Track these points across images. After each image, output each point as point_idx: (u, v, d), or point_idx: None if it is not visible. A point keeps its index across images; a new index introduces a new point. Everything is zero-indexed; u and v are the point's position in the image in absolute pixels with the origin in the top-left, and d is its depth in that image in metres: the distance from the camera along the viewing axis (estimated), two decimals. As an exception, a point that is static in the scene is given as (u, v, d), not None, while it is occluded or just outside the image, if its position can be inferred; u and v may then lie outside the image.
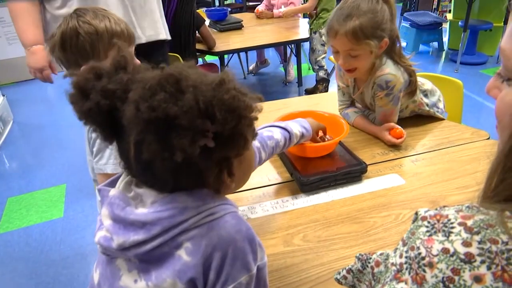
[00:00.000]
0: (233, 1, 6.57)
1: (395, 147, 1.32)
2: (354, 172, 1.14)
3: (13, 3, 1.50)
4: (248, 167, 0.69)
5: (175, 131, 0.50)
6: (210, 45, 2.88)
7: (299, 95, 3.68)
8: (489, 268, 0.38)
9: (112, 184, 0.65)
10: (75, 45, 1.02)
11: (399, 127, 1.32)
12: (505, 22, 4.18)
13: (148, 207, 0.58)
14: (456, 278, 0.39)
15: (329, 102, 1.68)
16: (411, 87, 1.36)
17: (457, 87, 1.66)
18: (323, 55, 3.45)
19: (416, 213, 0.48)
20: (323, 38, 3.40)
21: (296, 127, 1.05)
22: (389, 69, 1.28)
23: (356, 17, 1.17)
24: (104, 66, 0.58)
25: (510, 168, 0.41)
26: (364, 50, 1.21)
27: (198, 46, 2.89)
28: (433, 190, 1.10)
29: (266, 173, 1.21)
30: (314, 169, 1.13)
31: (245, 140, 0.57)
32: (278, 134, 1.00)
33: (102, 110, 0.54)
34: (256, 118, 0.58)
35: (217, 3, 6.01)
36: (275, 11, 3.73)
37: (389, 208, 1.03)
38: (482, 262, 0.38)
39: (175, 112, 0.49)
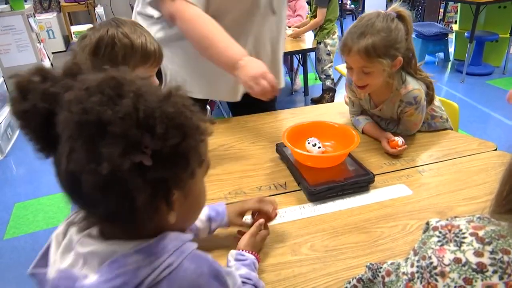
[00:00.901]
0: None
1: (401, 157, 1.32)
2: (362, 182, 1.14)
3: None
4: (196, 204, 0.62)
5: (106, 138, 0.45)
6: None
7: (305, 104, 3.70)
8: (501, 278, 0.38)
9: (43, 259, 0.58)
10: (108, 54, 1.02)
11: (397, 138, 1.33)
12: (511, 34, 4.18)
13: (96, 272, 0.51)
14: (469, 287, 0.39)
15: (335, 111, 1.69)
16: (429, 97, 1.39)
17: (453, 110, 1.65)
18: (330, 64, 3.48)
19: (427, 223, 0.49)
20: (328, 47, 3.43)
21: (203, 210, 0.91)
22: (412, 85, 1.31)
23: (370, 36, 1.19)
24: (53, 70, 0.54)
25: None
26: (376, 68, 1.23)
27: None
28: (440, 201, 1.10)
29: (274, 182, 1.21)
30: (321, 179, 1.14)
31: (187, 163, 0.51)
32: None
33: (38, 113, 0.50)
34: (202, 141, 0.53)
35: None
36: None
37: (396, 219, 1.04)
38: (494, 272, 0.39)
39: (109, 117, 0.45)
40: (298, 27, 3.61)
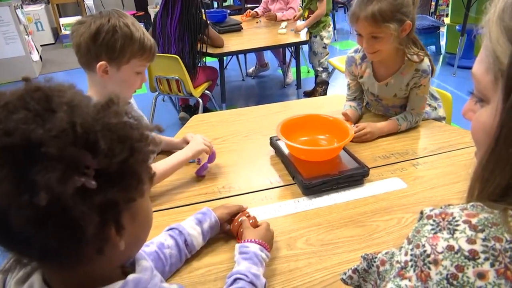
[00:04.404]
0: (232, 3, 6.58)
1: (396, 150, 1.32)
2: (356, 175, 1.14)
3: None
4: (145, 222, 0.53)
5: (38, 163, 0.37)
6: (219, 44, 2.93)
7: (298, 97, 3.69)
8: (492, 265, 0.39)
9: None
10: (107, 41, 1.05)
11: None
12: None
13: None
14: (460, 274, 0.39)
15: (329, 104, 1.68)
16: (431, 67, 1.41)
17: (447, 100, 1.67)
18: (326, 57, 3.47)
19: (421, 212, 0.49)
20: (324, 40, 3.41)
21: (189, 220, 0.90)
22: (421, 54, 1.35)
23: (376, 2, 1.23)
24: None
25: (487, 179, 0.44)
26: (385, 33, 1.26)
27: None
28: (434, 194, 1.10)
29: (268, 176, 1.21)
30: (316, 173, 1.13)
31: (139, 180, 0.45)
32: (168, 240, 0.85)
33: None
34: (153, 152, 0.48)
35: (215, 5, 6.02)
36: (278, 14, 3.73)
37: (392, 212, 1.03)
38: (486, 259, 0.39)
39: (39, 137, 0.38)
40: (290, 19, 3.59)
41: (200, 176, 1.21)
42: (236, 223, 0.93)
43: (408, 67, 1.37)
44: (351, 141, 1.34)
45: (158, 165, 1.13)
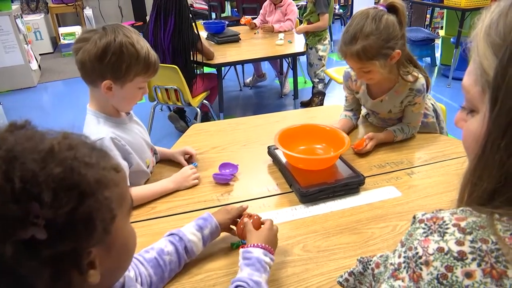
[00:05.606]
0: (230, 14, 6.65)
1: (391, 160, 1.35)
2: (352, 184, 1.16)
3: None
4: (123, 251, 0.52)
5: None
6: (209, 58, 2.94)
7: (295, 107, 3.72)
8: (479, 265, 0.41)
9: None
10: (114, 61, 1.02)
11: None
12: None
13: None
14: (449, 274, 0.42)
15: (326, 115, 1.71)
16: (427, 84, 1.42)
17: (441, 111, 1.70)
18: (322, 68, 3.52)
19: (414, 217, 0.52)
20: (319, 53, 3.47)
21: (189, 225, 0.91)
22: (416, 73, 1.37)
23: (360, 40, 1.22)
24: None
25: (476, 184, 0.47)
26: (372, 67, 1.26)
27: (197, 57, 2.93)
28: (429, 202, 1.12)
29: (266, 184, 1.23)
30: (313, 181, 1.15)
31: (94, 227, 0.42)
32: (168, 246, 0.86)
33: None
34: (107, 198, 0.44)
35: (213, 16, 6.08)
36: (276, 25, 3.79)
37: (386, 220, 1.06)
38: (473, 259, 0.42)
39: None
40: (288, 30, 3.67)
41: (219, 183, 1.24)
42: (241, 226, 0.93)
43: (402, 86, 1.38)
44: (357, 152, 1.37)
45: (139, 189, 1.15)
